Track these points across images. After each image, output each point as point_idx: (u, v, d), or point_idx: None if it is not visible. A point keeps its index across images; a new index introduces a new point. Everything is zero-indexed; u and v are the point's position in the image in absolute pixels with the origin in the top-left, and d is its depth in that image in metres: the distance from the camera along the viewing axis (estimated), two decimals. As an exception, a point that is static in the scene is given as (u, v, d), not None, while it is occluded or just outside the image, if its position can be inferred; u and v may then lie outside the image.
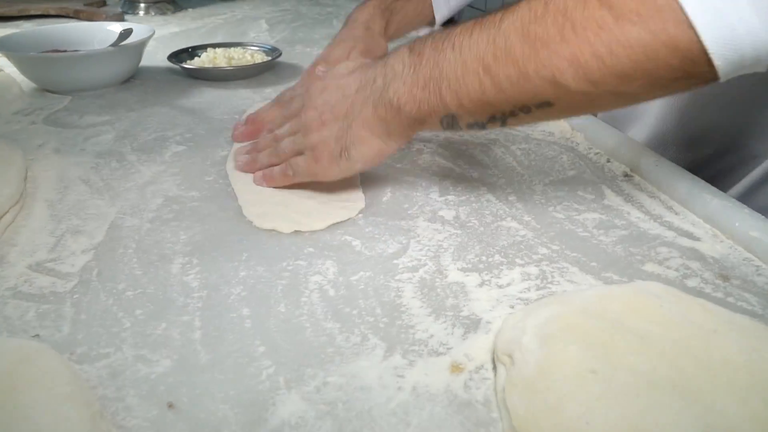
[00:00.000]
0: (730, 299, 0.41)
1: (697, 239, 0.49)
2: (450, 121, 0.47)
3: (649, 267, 0.45)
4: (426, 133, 0.69)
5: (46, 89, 0.79)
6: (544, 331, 0.34)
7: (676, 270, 0.45)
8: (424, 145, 0.65)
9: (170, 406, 0.33)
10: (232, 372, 0.35)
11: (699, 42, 0.34)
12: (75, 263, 0.45)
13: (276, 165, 0.56)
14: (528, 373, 0.32)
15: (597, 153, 0.64)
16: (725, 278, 0.44)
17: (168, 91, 0.82)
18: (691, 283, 0.44)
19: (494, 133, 0.69)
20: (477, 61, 0.43)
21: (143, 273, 0.44)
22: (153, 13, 1.26)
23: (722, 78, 0.36)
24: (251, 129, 0.65)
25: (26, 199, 0.54)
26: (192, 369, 0.36)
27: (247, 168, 0.58)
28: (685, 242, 0.48)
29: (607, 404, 0.29)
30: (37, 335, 0.38)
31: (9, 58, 0.77)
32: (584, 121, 0.68)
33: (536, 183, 0.58)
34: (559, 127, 0.70)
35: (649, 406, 0.29)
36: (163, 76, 0.88)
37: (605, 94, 0.40)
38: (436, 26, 0.80)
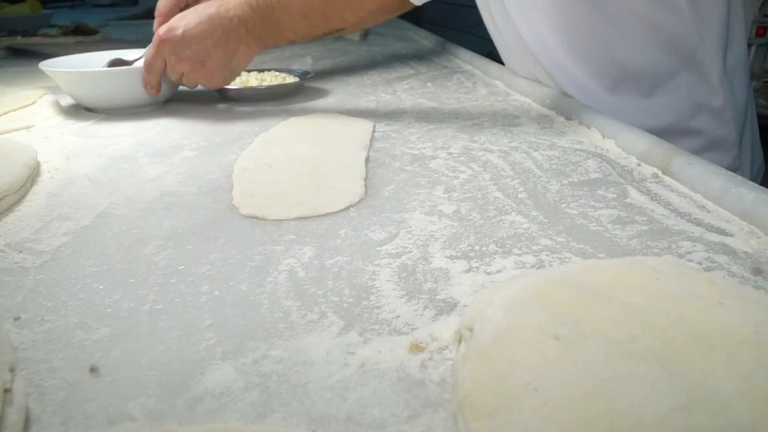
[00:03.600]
0: (748, 287, 0.35)
1: (729, 235, 0.43)
2: None
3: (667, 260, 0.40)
4: (441, 141, 0.65)
5: (88, 108, 0.82)
6: (512, 300, 0.29)
7: (699, 263, 0.39)
8: (440, 152, 0.62)
9: (92, 369, 0.30)
10: (170, 342, 0.32)
11: None
12: (52, 243, 0.44)
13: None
14: (484, 344, 0.27)
15: (627, 158, 0.58)
16: (758, 271, 0.38)
17: (196, 109, 0.83)
18: (715, 276, 0.37)
19: (517, 140, 0.65)
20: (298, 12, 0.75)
21: (115, 253, 0.42)
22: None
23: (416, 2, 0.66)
24: None
25: (29, 192, 0.54)
26: (129, 338, 0.33)
27: None
28: (714, 237, 0.42)
29: (563, 370, 0.24)
30: (-12, 302, 0.37)
31: (54, 76, 0.80)
32: (616, 127, 0.62)
33: (553, 183, 0.53)
34: (589, 136, 0.65)
35: (617, 374, 0.23)
36: (196, 98, 0.89)
37: (367, 21, 0.74)
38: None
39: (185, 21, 0.76)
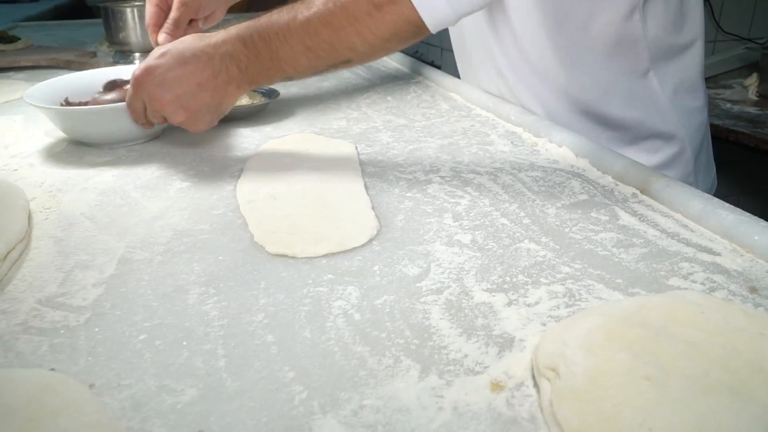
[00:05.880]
0: (761, 309, 0.41)
1: (717, 254, 0.49)
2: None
3: (674, 281, 0.45)
4: (427, 163, 0.68)
5: (81, 142, 0.76)
6: (587, 341, 0.33)
7: (702, 284, 0.45)
8: (432, 176, 0.65)
9: (201, 435, 0.31)
10: (263, 398, 0.34)
11: (420, 18, 0.60)
12: (86, 297, 0.44)
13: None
14: (577, 384, 0.31)
15: (603, 177, 0.64)
16: (753, 290, 0.44)
17: (165, 133, 0.81)
18: (719, 295, 0.43)
19: (499, 161, 0.69)
20: (300, 44, 0.64)
21: (159, 304, 0.43)
22: (144, 63, 1.26)
23: (432, 31, 0.61)
24: None
25: (31, 236, 0.52)
26: (220, 397, 0.34)
27: None
28: (706, 257, 0.48)
29: (667, 409, 0.28)
30: (53, 369, 0.36)
31: (45, 112, 0.73)
32: (588, 147, 0.68)
33: (549, 207, 0.57)
34: (562, 155, 0.70)
35: (709, 409, 0.28)
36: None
37: (379, 50, 0.66)
38: None
39: (166, 59, 0.66)
